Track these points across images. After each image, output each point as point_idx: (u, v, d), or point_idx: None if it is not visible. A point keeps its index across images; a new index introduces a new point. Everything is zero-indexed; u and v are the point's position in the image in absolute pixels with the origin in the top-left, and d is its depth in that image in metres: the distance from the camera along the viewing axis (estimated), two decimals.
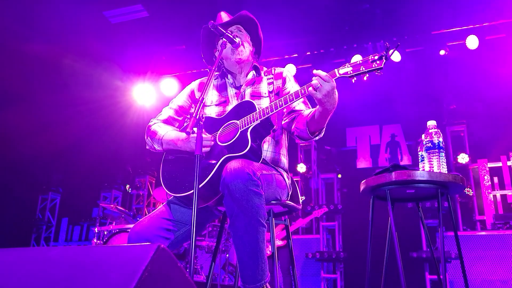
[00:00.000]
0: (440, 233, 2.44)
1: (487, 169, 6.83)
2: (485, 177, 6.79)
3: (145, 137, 2.54)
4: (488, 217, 6.53)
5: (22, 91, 7.09)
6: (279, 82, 2.52)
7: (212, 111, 2.51)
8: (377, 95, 7.24)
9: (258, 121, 2.21)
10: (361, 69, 2.05)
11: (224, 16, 2.59)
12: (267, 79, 2.54)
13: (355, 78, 2.08)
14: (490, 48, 6.28)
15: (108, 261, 1.08)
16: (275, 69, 2.60)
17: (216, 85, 2.63)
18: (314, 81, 2.07)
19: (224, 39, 2.37)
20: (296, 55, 7.05)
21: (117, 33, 6.96)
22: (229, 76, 2.60)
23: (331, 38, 6.88)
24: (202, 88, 2.62)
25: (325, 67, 6.89)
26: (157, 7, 6.45)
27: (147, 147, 2.55)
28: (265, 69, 2.64)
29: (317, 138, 2.29)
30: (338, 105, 2.13)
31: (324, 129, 2.27)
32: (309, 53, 7.05)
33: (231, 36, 2.40)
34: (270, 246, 5.74)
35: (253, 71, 2.57)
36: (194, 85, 2.69)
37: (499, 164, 6.85)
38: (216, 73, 2.65)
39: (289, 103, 2.18)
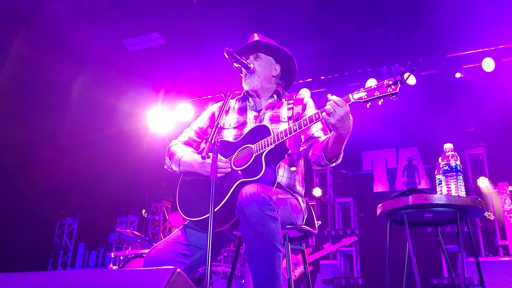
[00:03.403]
0: (460, 259, 2.38)
1: (508, 192, 6.69)
2: (506, 201, 6.64)
3: (165, 157, 2.57)
4: (511, 242, 6.36)
5: (41, 118, 7.24)
6: (299, 108, 2.51)
7: (230, 134, 2.53)
8: (393, 118, 7.21)
9: (273, 146, 2.22)
10: (375, 94, 2.04)
11: (257, 37, 2.59)
12: (288, 104, 2.54)
13: (369, 103, 2.07)
14: (506, 70, 6.23)
15: (125, 285, 1.09)
16: (296, 95, 2.60)
17: (237, 108, 2.65)
18: (328, 106, 2.07)
19: (238, 64, 2.41)
20: (311, 79, 7.09)
21: (135, 61, 7.13)
22: (250, 99, 2.62)
23: (345, 62, 6.92)
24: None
25: (340, 91, 6.94)
26: (173, 35, 6.60)
27: (165, 167, 2.57)
28: (286, 94, 2.64)
29: (333, 164, 2.27)
30: (354, 128, 2.12)
31: (342, 155, 2.25)
32: (323, 77, 7.08)
33: (246, 62, 2.44)
34: (295, 270, 5.72)
35: (275, 95, 2.58)
36: (215, 107, 2.72)
37: None
38: (239, 96, 2.69)
39: (303, 127, 2.18)
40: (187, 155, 2.45)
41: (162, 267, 1.06)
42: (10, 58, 6.54)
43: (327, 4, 5.91)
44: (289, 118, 2.47)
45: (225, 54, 2.37)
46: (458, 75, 6.35)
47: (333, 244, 6.58)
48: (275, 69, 2.60)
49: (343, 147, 2.21)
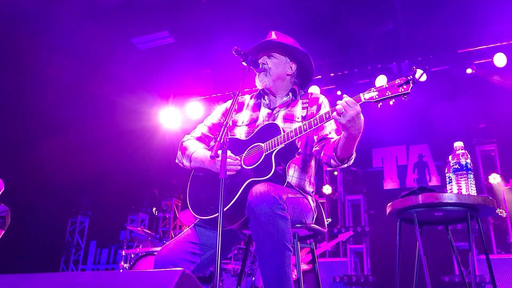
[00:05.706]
0: (471, 258, 2.36)
1: None
2: None
3: (177, 151, 2.58)
4: None
5: (51, 117, 7.31)
6: (313, 108, 2.48)
7: (242, 131, 2.51)
8: (403, 115, 7.15)
9: (282, 145, 2.21)
10: (387, 94, 2.02)
11: (274, 36, 2.57)
12: (302, 103, 2.51)
13: (380, 103, 2.05)
14: None
15: (134, 286, 1.10)
16: (311, 94, 2.57)
17: (251, 105, 2.64)
18: (338, 106, 2.05)
19: (246, 63, 2.41)
20: (320, 76, 7.06)
21: (145, 59, 7.17)
22: (265, 97, 2.60)
23: (355, 59, 6.88)
24: (237, 107, 2.65)
25: (349, 88, 6.89)
26: (182, 33, 6.62)
27: (176, 161, 2.58)
28: (302, 93, 2.61)
29: (345, 165, 2.24)
30: (364, 125, 2.09)
31: (353, 156, 2.22)
32: (332, 74, 7.05)
33: (254, 61, 2.43)
34: (295, 271, 5.69)
35: (290, 93, 2.56)
36: (229, 103, 2.70)
37: None
38: (255, 93, 2.68)
39: (313, 127, 2.16)
40: (198, 151, 2.45)
41: (170, 269, 1.07)
42: (18, 57, 6.60)
43: (336, 0, 5.89)
44: (303, 118, 2.43)
45: (234, 53, 2.36)
46: (469, 71, 6.29)
47: (329, 241, 6.54)
48: (290, 67, 2.56)
49: (355, 148, 2.18)
